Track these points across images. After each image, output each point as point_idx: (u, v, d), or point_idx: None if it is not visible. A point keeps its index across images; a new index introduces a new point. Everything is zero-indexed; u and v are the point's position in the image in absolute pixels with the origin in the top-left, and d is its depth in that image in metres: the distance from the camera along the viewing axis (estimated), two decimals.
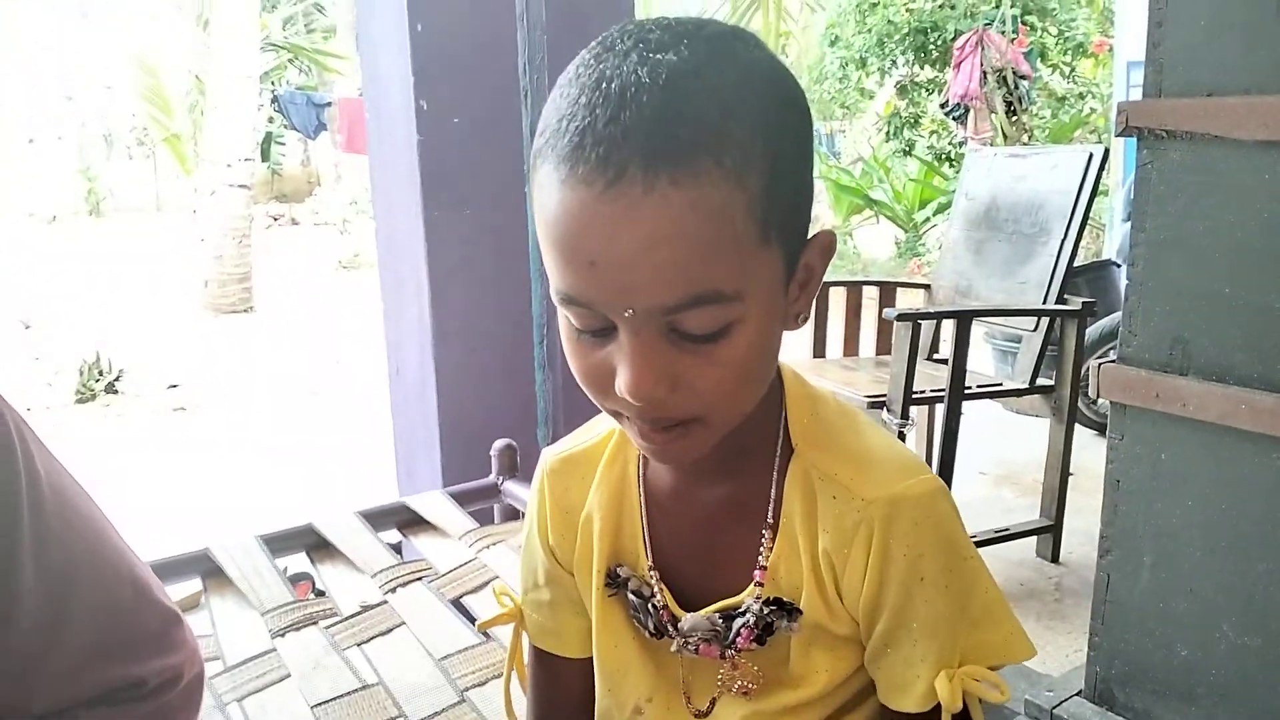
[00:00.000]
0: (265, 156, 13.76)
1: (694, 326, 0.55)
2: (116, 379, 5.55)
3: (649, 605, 0.70)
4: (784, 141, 0.56)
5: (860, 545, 0.64)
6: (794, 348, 3.26)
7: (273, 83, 12.65)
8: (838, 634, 0.67)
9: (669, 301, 0.53)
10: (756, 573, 0.67)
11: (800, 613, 0.66)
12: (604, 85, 0.52)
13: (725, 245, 0.53)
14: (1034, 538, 2.71)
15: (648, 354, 0.55)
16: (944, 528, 0.64)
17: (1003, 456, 3.58)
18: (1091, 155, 2.66)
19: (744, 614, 0.67)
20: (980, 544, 2.56)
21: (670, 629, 0.70)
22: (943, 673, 0.64)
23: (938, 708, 0.64)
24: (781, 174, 0.55)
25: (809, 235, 0.61)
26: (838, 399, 0.70)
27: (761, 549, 0.67)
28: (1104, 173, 2.69)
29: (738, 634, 0.67)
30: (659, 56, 0.53)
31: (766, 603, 0.67)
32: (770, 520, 0.67)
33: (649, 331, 0.55)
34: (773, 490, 0.67)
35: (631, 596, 0.71)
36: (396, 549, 1.51)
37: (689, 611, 0.69)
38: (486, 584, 1.34)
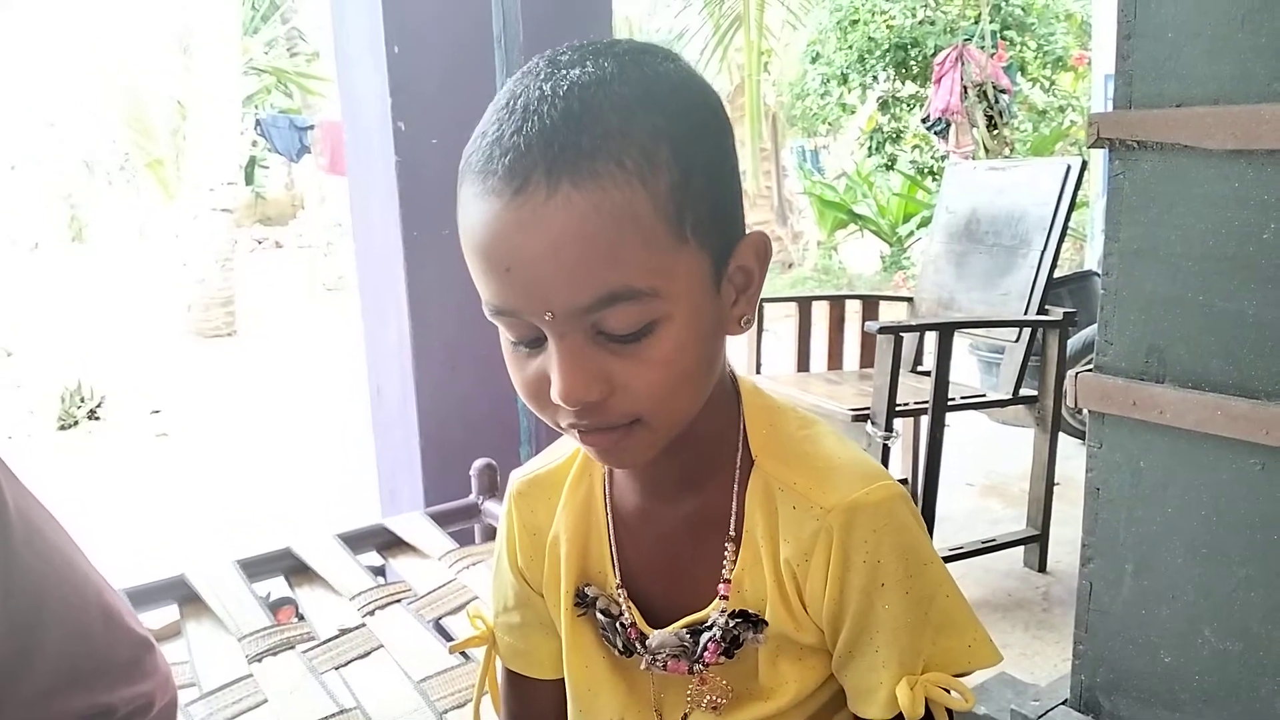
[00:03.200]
0: (249, 180, 13.74)
1: (616, 326, 0.56)
2: (98, 406, 5.51)
3: (617, 624, 0.70)
4: (692, 144, 0.57)
5: (820, 553, 0.64)
6: (778, 362, 3.27)
7: (256, 106, 12.64)
8: (804, 644, 0.67)
9: (583, 301, 0.54)
10: (721, 586, 0.67)
11: (766, 624, 0.66)
12: (512, 102, 0.55)
13: (633, 243, 0.54)
14: (1021, 548, 2.71)
15: (575, 357, 0.56)
16: (903, 534, 0.64)
17: (989, 468, 3.59)
18: (1069, 167, 2.68)
19: (710, 628, 0.67)
20: (967, 555, 2.56)
21: (639, 647, 0.69)
22: (904, 679, 0.63)
23: (902, 715, 0.64)
24: (692, 175, 0.56)
25: (740, 238, 0.61)
26: (797, 410, 0.70)
27: (725, 562, 0.67)
28: (1082, 184, 2.71)
29: (705, 648, 0.67)
30: (565, 73, 0.56)
31: (732, 615, 0.66)
32: (733, 533, 0.67)
33: (574, 335, 0.56)
34: (734, 503, 0.67)
35: (600, 616, 0.71)
36: (380, 572, 1.50)
37: (657, 628, 0.69)
38: (466, 604, 1.33)
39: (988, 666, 0.66)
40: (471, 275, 0.58)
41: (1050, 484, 2.64)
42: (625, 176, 0.53)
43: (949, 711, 0.66)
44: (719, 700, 0.69)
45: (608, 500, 0.72)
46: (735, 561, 0.67)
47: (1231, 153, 1.24)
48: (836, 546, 0.63)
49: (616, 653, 0.71)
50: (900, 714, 0.64)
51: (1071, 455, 3.07)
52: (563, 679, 0.76)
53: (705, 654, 0.67)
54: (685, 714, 0.71)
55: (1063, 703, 1.52)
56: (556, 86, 0.54)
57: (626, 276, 0.54)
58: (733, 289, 0.61)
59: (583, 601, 0.72)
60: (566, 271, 0.54)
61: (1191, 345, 1.31)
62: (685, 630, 0.68)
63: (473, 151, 0.56)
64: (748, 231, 0.62)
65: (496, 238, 0.55)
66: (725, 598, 0.67)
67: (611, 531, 0.71)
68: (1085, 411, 1.46)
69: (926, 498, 2.46)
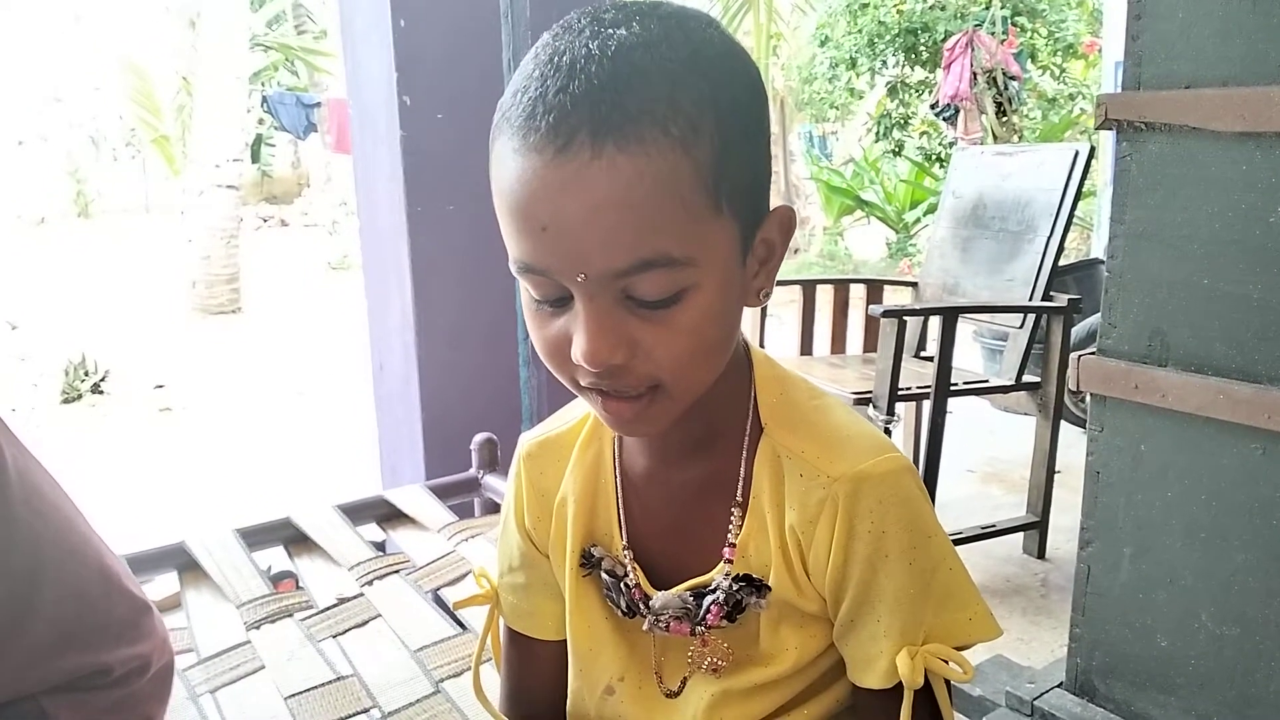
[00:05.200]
0: (255, 158, 13.72)
1: (647, 292, 0.56)
2: (102, 379, 5.52)
3: (622, 584, 0.71)
4: (734, 115, 0.57)
5: (825, 521, 0.64)
6: (781, 345, 3.26)
7: (263, 83, 12.62)
8: (806, 611, 0.67)
9: (619, 265, 0.54)
10: (726, 550, 0.67)
11: (769, 589, 0.67)
12: (556, 59, 0.54)
13: (673, 211, 0.54)
14: (1021, 534, 2.71)
15: (602, 319, 0.56)
16: (909, 505, 0.64)
17: (991, 454, 3.59)
18: (1077, 153, 2.66)
19: (714, 591, 0.67)
20: (967, 540, 2.57)
21: (642, 607, 0.70)
22: (905, 649, 0.64)
23: (902, 685, 0.64)
24: (732, 146, 0.56)
25: (767, 212, 0.62)
26: (807, 382, 0.71)
27: (731, 527, 0.67)
28: (1090, 171, 2.70)
29: (707, 611, 0.68)
30: (611, 31, 0.55)
31: (736, 579, 0.67)
32: (740, 498, 0.67)
33: (603, 297, 0.56)
34: (742, 469, 0.67)
35: (605, 576, 0.72)
36: (380, 546, 1.51)
37: (661, 590, 0.70)
38: (464, 576, 1.33)
39: (988, 640, 0.67)
40: (502, 230, 0.58)
41: (1051, 471, 2.64)
42: (670, 143, 0.53)
43: (947, 683, 0.66)
44: (719, 663, 0.70)
45: (617, 463, 0.73)
46: (741, 526, 0.67)
47: (1240, 135, 1.23)
48: (842, 515, 0.63)
49: (620, 613, 0.72)
50: (899, 684, 0.64)
51: (1073, 443, 3.07)
52: (564, 641, 0.76)
53: (708, 616, 0.68)
54: (685, 676, 0.72)
55: (1058, 685, 1.52)
56: (604, 46, 0.54)
57: (664, 244, 0.54)
58: (755, 261, 0.62)
59: (588, 562, 0.73)
60: (605, 235, 0.53)
61: (1195, 329, 1.31)
62: (689, 592, 0.69)
63: (511, 105, 0.55)
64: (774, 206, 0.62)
65: (535, 195, 0.54)
66: (730, 561, 0.67)
67: (620, 494, 0.72)
68: (1087, 398, 1.46)
69: (927, 482, 2.45)
